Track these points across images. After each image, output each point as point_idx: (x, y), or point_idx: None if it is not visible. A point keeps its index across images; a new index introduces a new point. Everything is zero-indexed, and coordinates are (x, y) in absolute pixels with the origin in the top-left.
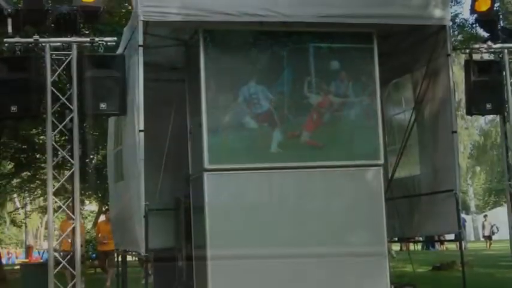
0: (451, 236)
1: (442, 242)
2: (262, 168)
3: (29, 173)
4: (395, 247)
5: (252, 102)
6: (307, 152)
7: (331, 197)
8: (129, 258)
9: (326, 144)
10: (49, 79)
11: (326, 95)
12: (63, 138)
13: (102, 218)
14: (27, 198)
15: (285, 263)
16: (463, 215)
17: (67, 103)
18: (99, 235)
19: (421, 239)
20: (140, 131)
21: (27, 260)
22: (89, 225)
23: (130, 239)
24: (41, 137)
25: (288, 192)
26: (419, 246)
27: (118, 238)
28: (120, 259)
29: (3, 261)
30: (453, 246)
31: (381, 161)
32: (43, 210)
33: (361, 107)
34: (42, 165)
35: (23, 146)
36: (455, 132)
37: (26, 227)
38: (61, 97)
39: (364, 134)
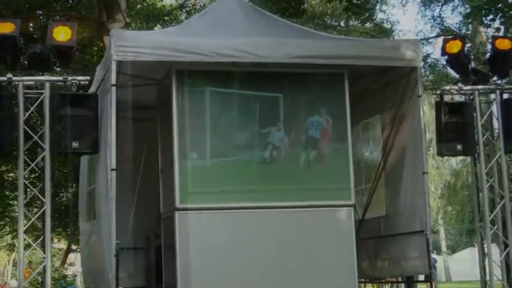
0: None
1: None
2: (234, 208)
3: None
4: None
5: (223, 143)
6: (279, 193)
7: (303, 236)
8: None
9: (299, 185)
10: (21, 117)
11: (297, 135)
12: (32, 175)
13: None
14: None
15: None
16: (433, 255)
17: (39, 141)
18: None
19: (398, 279)
20: (112, 169)
21: None
22: (57, 263)
23: (101, 277)
24: (10, 174)
25: (259, 232)
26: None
27: (88, 277)
28: None
29: None
30: (424, 286)
31: (352, 201)
32: (11, 247)
33: (333, 147)
34: (11, 202)
35: None
36: (426, 173)
37: None
38: (33, 135)
39: (335, 174)
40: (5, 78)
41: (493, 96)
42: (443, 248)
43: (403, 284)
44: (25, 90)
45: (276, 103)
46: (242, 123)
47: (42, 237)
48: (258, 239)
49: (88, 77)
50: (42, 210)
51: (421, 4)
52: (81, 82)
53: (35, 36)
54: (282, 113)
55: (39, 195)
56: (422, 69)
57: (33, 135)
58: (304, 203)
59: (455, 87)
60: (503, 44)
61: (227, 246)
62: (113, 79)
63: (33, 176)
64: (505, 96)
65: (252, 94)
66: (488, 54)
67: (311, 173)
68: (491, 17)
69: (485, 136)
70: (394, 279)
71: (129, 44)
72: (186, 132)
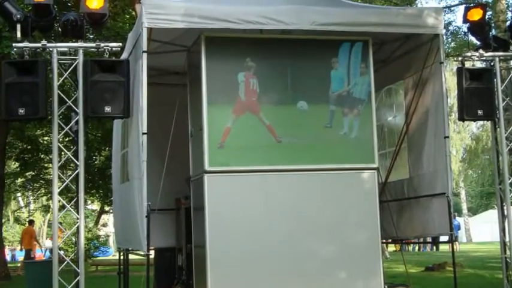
0: (444, 238)
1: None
2: (261, 171)
3: (33, 173)
4: (391, 248)
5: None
6: (304, 156)
7: (329, 198)
8: (131, 256)
9: (324, 148)
10: (56, 83)
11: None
12: (66, 139)
13: None
14: (31, 197)
15: (281, 261)
16: (457, 218)
17: (73, 106)
18: None
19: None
20: (143, 133)
21: None
22: (91, 224)
23: (133, 238)
24: (45, 138)
25: (286, 194)
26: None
27: (120, 237)
28: (122, 257)
29: (8, 258)
30: (446, 247)
31: (376, 165)
32: (46, 209)
33: (357, 112)
34: (46, 165)
35: (28, 147)
36: (448, 137)
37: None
38: (67, 100)
39: (359, 138)
40: (39, 45)
41: None
42: (464, 210)
43: (427, 245)
44: (59, 57)
45: (303, 70)
46: (271, 89)
47: (75, 198)
48: (284, 200)
49: (120, 44)
50: (76, 172)
51: None
52: (114, 49)
53: (68, 4)
54: (306, 80)
55: (72, 158)
56: (444, 36)
57: (67, 100)
58: (330, 166)
59: (476, 54)
60: None
61: (254, 207)
62: (144, 45)
63: (67, 139)
64: None
65: (279, 61)
66: (508, 22)
67: (336, 137)
68: None
69: (505, 101)
70: (417, 240)
71: (160, 11)
72: (214, 97)
